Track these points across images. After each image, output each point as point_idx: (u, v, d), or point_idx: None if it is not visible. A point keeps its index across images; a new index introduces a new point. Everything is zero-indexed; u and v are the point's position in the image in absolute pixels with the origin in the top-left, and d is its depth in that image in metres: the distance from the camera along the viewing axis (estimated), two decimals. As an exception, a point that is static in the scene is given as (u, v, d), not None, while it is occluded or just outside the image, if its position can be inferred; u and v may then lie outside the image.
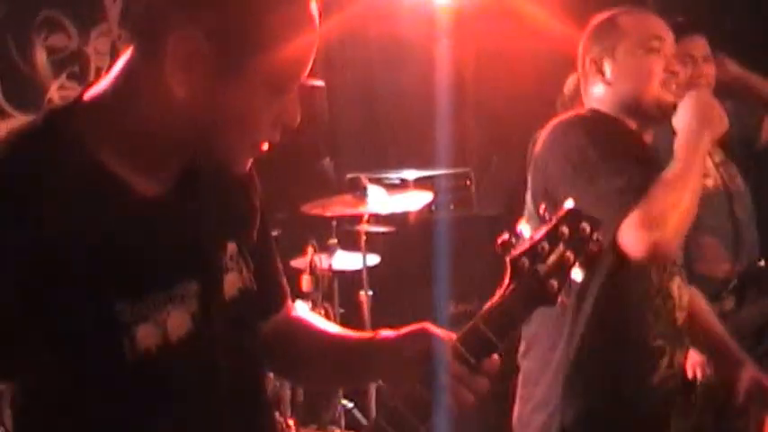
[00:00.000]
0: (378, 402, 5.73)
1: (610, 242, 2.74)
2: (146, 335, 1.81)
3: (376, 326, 5.66)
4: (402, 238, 6.32)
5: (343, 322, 5.65)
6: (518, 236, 2.07)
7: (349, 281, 5.71)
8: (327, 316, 5.48)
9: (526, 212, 3.06)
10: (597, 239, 2.07)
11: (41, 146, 1.78)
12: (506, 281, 2.04)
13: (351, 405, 5.81)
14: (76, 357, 1.77)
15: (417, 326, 2.07)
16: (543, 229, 2.06)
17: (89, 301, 1.75)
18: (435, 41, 7.33)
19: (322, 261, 5.41)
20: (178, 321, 1.88)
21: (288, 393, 5.12)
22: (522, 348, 3.18)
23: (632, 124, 3.10)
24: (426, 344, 2.02)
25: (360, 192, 5.56)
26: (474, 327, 2.01)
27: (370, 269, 5.64)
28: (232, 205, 2.12)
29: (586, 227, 2.06)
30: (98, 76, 6.38)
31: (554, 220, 2.06)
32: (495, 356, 2.02)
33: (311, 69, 6.57)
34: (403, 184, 6.48)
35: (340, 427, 5.65)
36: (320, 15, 1.87)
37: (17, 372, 1.81)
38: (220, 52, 1.76)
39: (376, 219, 5.79)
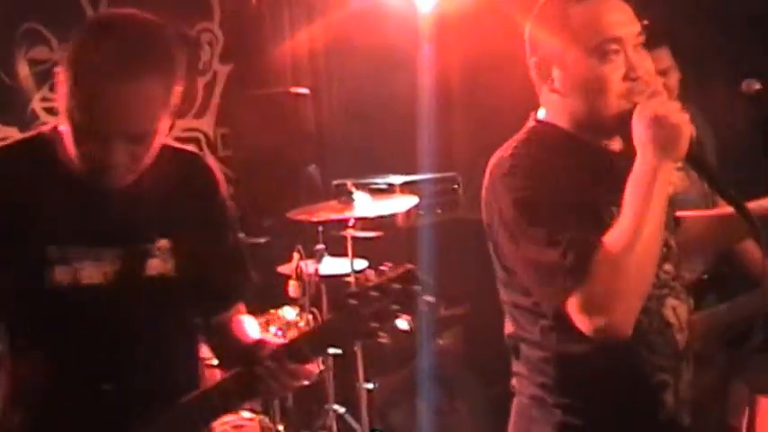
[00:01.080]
0: (369, 408, 5.74)
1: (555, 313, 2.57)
2: (62, 272, 2.58)
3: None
4: (389, 243, 6.32)
5: (332, 327, 5.66)
6: (360, 278, 2.58)
7: (336, 286, 5.71)
8: (315, 321, 5.48)
9: None
10: (426, 301, 2.63)
11: (23, 145, 2.71)
12: (334, 312, 2.65)
13: (343, 410, 5.81)
14: (18, 280, 2.59)
15: (259, 338, 2.80)
16: (379, 280, 2.54)
17: (32, 241, 2.57)
18: (420, 48, 7.35)
19: (309, 266, 5.41)
20: (91, 272, 2.60)
21: (277, 399, 5.12)
22: (514, 382, 2.95)
23: (593, 138, 2.75)
24: (262, 347, 2.69)
25: (345, 197, 5.57)
26: (296, 340, 2.66)
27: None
28: (178, 211, 2.73)
29: (417, 289, 2.55)
30: (81, 87, 6.41)
31: (390, 276, 2.55)
32: (308, 366, 2.64)
33: (297, 77, 6.57)
34: (389, 189, 6.49)
35: (331, 432, 5.67)
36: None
37: None
38: None
39: (363, 223, 5.79)
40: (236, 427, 5.06)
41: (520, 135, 2.81)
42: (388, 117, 7.54)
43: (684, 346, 2.77)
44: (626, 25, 2.69)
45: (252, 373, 2.62)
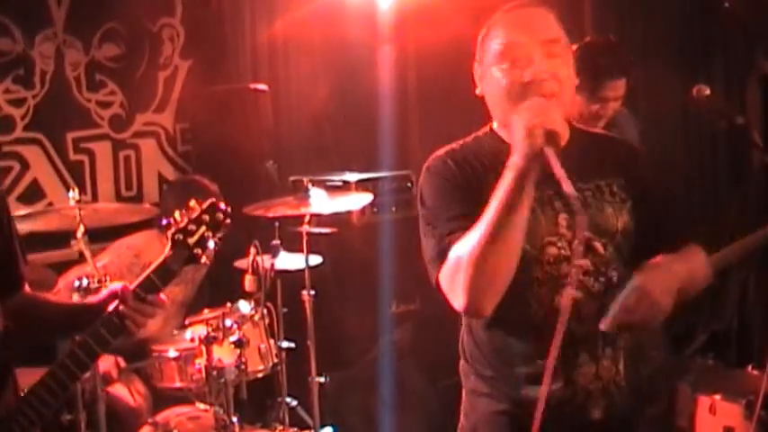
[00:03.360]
0: (321, 401, 5.82)
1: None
2: None
3: (319, 325, 5.76)
4: (344, 240, 6.41)
5: (287, 322, 5.74)
6: (176, 219, 3.32)
7: (292, 281, 5.78)
8: (270, 315, 5.55)
9: None
10: (227, 224, 3.36)
11: None
12: (167, 248, 3.29)
13: (295, 403, 5.88)
14: None
15: (110, 291, 3.26)
16: (193, 215, 3.32)
17: None
18: (378, 46, 7.43)
19: (265, 261, 5.47)
20: None
21: (231, 391, 5.18)
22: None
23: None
24: (118, 294, 3.21)
25: (302, 193, 5.64)
26: (147, 276, 3.24)
27: (313, 269, 5.71)
28: None
29: (221, 215, 3.36)
30: (43, 79, 6.46)
31: (199, 210, 3.33)
32: (161, 295, 3.25)
33: (256, 73, 6.69)
34: (345, 186, 6.56)
35: (284, 424, 5.72)
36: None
37: None
38: None
39: (318, 220, 5.87)
40: (191, 418, 5.14)
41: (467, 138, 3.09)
42: (346, 115, 7.62)
43: (582, 336, 2.87)
44: (533, 32, 2.88)
45: (119, 314, 3.19)
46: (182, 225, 3.32)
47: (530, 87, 2.81)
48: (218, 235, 3.37)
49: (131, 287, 3.23)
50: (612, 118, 4.75)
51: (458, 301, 2.76)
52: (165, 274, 3.28)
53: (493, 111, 3.00)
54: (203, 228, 3.33)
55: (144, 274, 3.28)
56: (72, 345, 3.25)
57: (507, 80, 2.86)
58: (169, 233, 3.33)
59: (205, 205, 3.36)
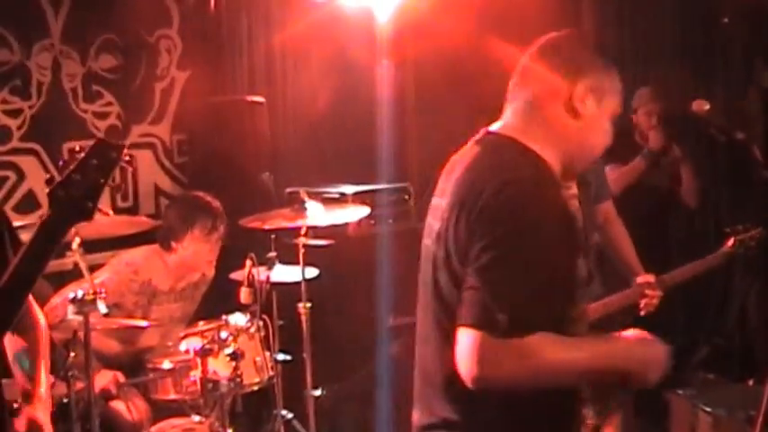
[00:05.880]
0: (317, 414, 5.80)
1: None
2: None
3: (315, 338, 5.74)
4: (341, 252, 6.39)
5: (283, 334, 5.72)
6: (60, 170, 2.75)
7: (288, 293, 5.77)
8: (266, 328, 5.53)
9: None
10: (123, 159, 2.80)
11: None
12: (50, 207, 2.73)
13: (290, 416, 5.86)
14: None
15: None
16: (76, 163, 2.72)
17: None
18: (375, 58, 7.43)
19: (261, 274, 5.46)
20: None
21: (227, 403, 5.16)
22: None
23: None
24: None
25: (298, 205, 5.63)
26: (31, 244, 2.75)
27: (309, 282, 5.70)
28: None
29: (113, 153, 2.76)
30: (39, 90, 6.44)
31: (84, 155, 2.73)
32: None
33: (253, 85, 6.70)
34: (342, 199, 6.55)
35: (279, 437, 5.71)
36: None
37: None
38: None
39: (315, 232, 5.85)
40: (186, 430, 5.11)
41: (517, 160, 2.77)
42: (342, 127, 7.62)
43: None
44: None
45: None
46: (62, 178, 2.75)
47: None
48: (112, 175, 2.80)
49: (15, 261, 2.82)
50: None
51: (491, 372, 2.45)
52: (47, 236, 2.77)
53: (588, 142, 2.81)
54: (92, 174, 2.74)
55: (28, 242, 2.82)
56: None
57: (608, 138, 2.82)
58: (47, 191, 2.78)
59: (91, 149, 2.78)
